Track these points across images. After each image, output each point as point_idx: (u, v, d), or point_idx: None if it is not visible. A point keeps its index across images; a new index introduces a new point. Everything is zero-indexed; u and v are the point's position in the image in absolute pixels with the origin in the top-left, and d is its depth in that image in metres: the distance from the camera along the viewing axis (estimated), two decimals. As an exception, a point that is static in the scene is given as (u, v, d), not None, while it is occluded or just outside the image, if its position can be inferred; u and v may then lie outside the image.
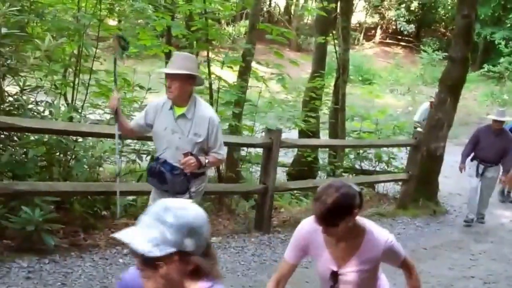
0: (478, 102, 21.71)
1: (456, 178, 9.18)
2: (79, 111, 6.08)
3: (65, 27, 6.02)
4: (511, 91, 22.49)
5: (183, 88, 3.97)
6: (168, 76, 4.01)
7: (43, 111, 5.57)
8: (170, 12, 7.50)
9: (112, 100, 4.23)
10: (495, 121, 7.67)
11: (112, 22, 8.30)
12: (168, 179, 4.04)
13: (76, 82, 6.19)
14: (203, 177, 4.31)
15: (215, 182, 7.22)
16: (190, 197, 3.99)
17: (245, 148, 7.62)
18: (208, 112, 4.12)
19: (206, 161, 4.05)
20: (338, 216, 2.43)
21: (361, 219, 2.62)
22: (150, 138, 6.00)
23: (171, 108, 4.07)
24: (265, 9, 26.15)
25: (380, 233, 2.62)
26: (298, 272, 5.25)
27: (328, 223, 2.47)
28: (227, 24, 20.96)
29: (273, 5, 31.04)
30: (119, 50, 4.33)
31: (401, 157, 9.30)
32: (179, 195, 3.87)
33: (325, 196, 2.43)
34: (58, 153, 5.73)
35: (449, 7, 27.93)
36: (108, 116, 6.35)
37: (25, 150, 5.25)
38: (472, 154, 7.85)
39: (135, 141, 6.46)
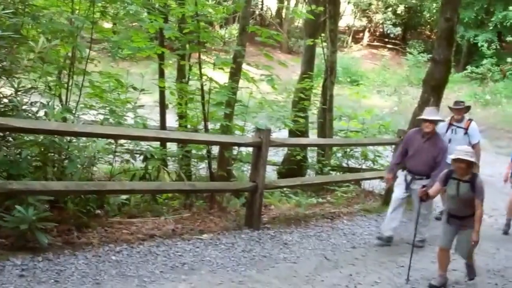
0: (462, 103, 21.98)
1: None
2: (73, 111, 6.16)
3: (59, 29, 6.10)
4: (493, 91, 22.88)
5: None
6: None
7: (37, 112, 5.64)
8: (163, 15, 7.61)
9: None
10: (425, 121, 6.35)
11: (106, 24, 8.39)
12: None
13: (70, 83, 6.28)
14: None
15: (207, 181, 7.36)
16: None
17: (236, 147, 7.75)
18: None
19: None
20: None
21: None
22: (143, 138, 6.16)
23: None
24: (257, 12, 26.28)
25: None
26: (287, 267, 5.48)
27: None
28: (220, 26, 21.03)
29: (265, 8, 31.22)
30: None
31: (386, 155, 9.53)
32: None
33: None
34: (52, 153, 5.79)
35: (434, 11, 28.26)
36: (101, 117, 6.46)
37: (19, 150, 5.30)
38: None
39: (129, 141, 6.57)
